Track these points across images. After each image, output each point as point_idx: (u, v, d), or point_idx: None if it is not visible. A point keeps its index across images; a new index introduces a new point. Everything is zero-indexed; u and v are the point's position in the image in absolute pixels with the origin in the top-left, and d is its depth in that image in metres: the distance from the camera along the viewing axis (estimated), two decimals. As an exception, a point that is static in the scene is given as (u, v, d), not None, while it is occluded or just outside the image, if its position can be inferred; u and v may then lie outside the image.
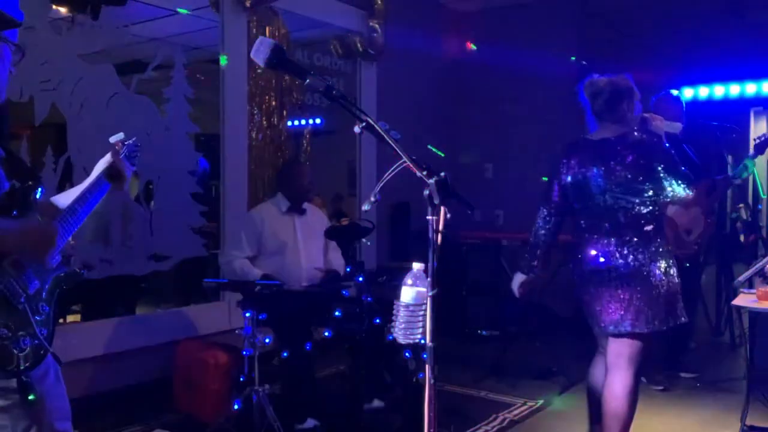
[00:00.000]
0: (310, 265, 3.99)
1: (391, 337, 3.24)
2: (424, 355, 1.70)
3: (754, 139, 4.61)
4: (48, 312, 1.65)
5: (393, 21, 6.00)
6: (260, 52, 1.68)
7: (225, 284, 3.86)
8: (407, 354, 3.52)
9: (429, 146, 6.11)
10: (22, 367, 1.56)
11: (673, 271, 2.91)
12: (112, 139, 1.99)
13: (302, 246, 3.99)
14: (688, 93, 6.25)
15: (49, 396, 1.67)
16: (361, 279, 3.35)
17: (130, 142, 2.03)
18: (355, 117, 1.74)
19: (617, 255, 2.88)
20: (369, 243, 5.87)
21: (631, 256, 2.86)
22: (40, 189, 1.70)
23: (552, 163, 3.16)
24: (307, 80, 1.69)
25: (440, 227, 1.64)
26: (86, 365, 4.01)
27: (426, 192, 1.66)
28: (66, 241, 1.72)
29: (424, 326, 1.70)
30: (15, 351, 1.53)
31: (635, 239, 2.88)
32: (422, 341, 1.69)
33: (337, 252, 4.16)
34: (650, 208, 2.90)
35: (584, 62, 6.31)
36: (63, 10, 4.04)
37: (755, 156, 4.54)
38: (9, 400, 1.57)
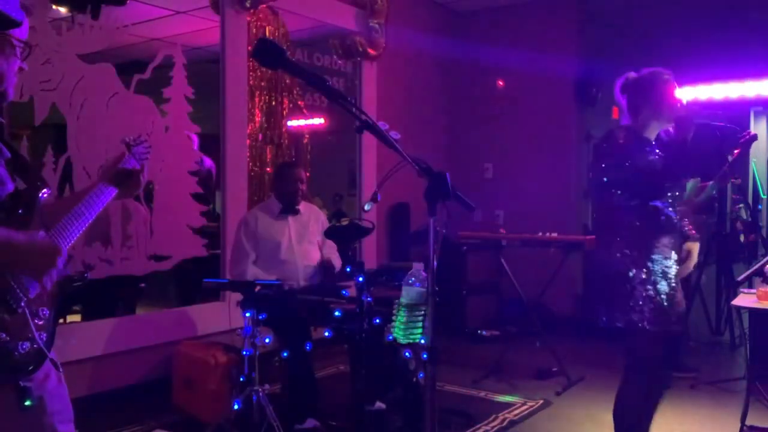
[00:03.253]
0: (306, 264, 4.00)
1: (391, 337, 3.26)
2: (424, 355, 1.70)
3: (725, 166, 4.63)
4: (48, 316, 1.62)
5: (393, 21, 6.00)
6: (261, 52, 1.68)
7: (225, 284, 3.86)
8: (407, 354, 3.52)
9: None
10: (21, 372, 1.53)
11: None
12: (124, 140, 1.92)
13: (297, 245, 3.99)
14: (688, 93, 6.24)
15: (50, 398, 1.65)
16: (361, 279, 3.34)
17: (141, 143, 1.95)
18: (354, 117, 1.74)
19: None
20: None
21: None
22: (45, 190, 1.67)
23: None
24: (307, 80, 1.69)
25: (440, 227, 1.64)
26: (86, 365, 4.02)
27: (426, 192, 1.66)
28: (68, 247, 1.69)
29: (424, 326, 1.70)
30: (14, 355, 1.51)
31: None
32: (422, 341, 1.68)
33: (332, 249, 4.16)
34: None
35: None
36: (63, 10, 4.05)
37: (718, 183, 4.64)
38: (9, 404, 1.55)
